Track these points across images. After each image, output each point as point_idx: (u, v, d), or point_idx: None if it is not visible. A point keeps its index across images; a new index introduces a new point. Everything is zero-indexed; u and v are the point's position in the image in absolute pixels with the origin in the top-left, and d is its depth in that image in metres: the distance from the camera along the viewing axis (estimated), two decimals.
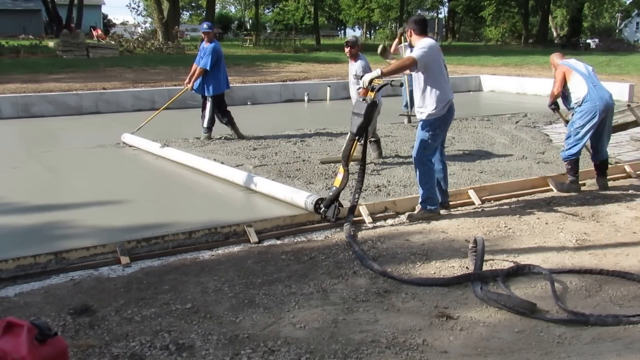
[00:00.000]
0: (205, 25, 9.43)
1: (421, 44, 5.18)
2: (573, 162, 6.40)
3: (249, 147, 8.62)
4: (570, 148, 6.38)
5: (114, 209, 5.88)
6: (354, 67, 7.50)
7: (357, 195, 5.29)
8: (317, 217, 5.31)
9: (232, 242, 4.91)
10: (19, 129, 10.95)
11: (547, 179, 6.60)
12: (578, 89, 6.32)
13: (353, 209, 5.27)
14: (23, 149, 8.97)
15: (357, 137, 5.18)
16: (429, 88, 5.22)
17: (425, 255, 4.55)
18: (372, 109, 5.13)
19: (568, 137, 6.44)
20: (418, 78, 5.29)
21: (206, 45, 9.11)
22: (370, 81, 5.13)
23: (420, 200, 5.46)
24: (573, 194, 6.29)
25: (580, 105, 6.29)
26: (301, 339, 3.28)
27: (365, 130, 5.19)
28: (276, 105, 14.90)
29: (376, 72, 5.09)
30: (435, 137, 5.37)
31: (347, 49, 7.57)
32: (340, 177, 5.18)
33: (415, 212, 5.49)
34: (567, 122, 7.58)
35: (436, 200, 5.47)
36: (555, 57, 6.78)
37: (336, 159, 6.90)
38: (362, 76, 5.40)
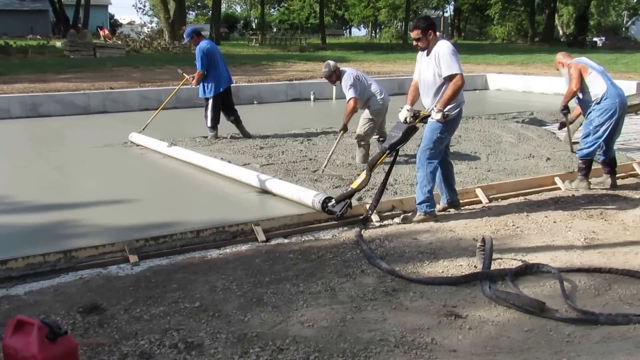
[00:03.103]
0: (184, 36, 9.36)
1: (448, 51, 5.09)
2: (589, 161, 6.35)
3: (256, 146, 8.63)
4: (589, 147, 6.32)
5: (122, 208, 5.90)
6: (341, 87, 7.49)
7: (371, 212, 5.31)
8: (324, 215, 5.31)
9: (239, 241, 4.92)
10: (27, 129, 11.00)
11: (555, 177, 6.59)
12: (596, 86, 6.24)
13: (366, 220, 5.27)
14: (31, 149, 9.01)
15: (388, 152, 5.26)
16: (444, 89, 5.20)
17: (433, 254, 4.54)
18: (411, 131, 5.24)
19: (586, 136, 6.36)
20: (436, 81, 5.19)
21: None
22: (445, 116, 5.11)
23: (417, 202, 5.42)
24: (581, 192, 6.27)
25: (599, 103, 6.21)
26: (309, 337, 3.29)
27: (396, 147, 5.27)
28: (282, 104, 14.90)
29: (439, 111, 5.09)
30: (443, 140, 5.35)
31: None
32: (359, 180, 5.22)
33: (412, 214, 5.44)
34: (571, 140, 7.58)
35: (433, 203, 5.43)
36: (562, 57, 6.67)
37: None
38: (411, 115, 5.33)
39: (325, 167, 7.25)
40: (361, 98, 7.31)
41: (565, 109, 6.78)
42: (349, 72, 7.44)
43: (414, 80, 5.55)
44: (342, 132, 7.47)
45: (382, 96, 7.38)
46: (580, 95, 6.49)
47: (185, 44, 29.38)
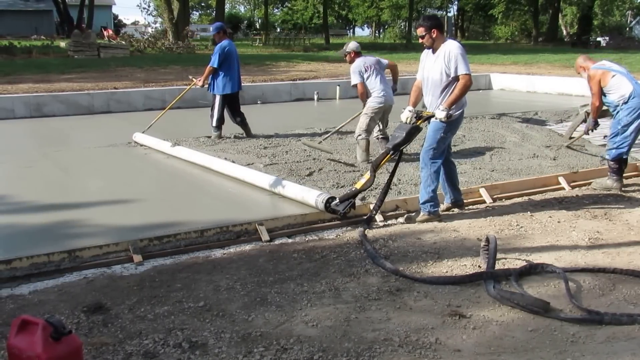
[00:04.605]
0: (211, 28, 9.72)
1: (459, 51, 5.12)
2: (621, 161, 6.35)
3: (260, 146, 8.63)
4: (619, 147, 6.30)
5: (126, 207, 5.91)
6: None
7: (375, 211, 5.32)
8: (328, 215, 5.32)
9: (243, 241, 4.93)
10: (31, 129, 11.02)
11: (559, 177, 6.58)
12: (622, 87, 6.23)
13: (370, 220, 5.28)
14: (36, 149, 9.03)
15: (392, 153, 5.27)
16: (450, 90, 5.20)
17: (437, 254, 4.54)
18: (415, 131, 5.27)
19: (614, 136, 6.34)
20: (443, 80, 5.20)
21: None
22: (449, 116, 5.12)
23: (420, 202, 5.41)
24: (585, 192, 6.26)
25: (626, 102, 6.20)
26: (314, 337, 3.28)
27: (400, 148, 5.28)
28: (286, 104, 14.91)
29: (444, 110, 5.08)
30: (446, 140, 5.35)
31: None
32: (363, 180, 5.23)
33: (416, 214, 5.44)
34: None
35: (437, 203, 5.43)
36: (583, 61, 6.62)
37: (315, 146, 7.50)
38: (413, 116, 5.36)
39: (324, 139, 7.66)
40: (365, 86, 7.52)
41: (597, 123, 6.83)
42: (360, 60, 7.63)
43: (418, 80, 5.55)
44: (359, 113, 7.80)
45: (381, 94, 7.50)
46: (603, 98, 6.48)
47: (188, 43, 29.65)
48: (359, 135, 7.55)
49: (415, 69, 5.69)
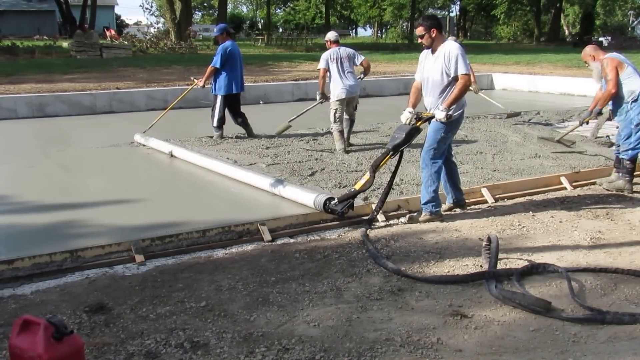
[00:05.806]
0: (215, 29, 9.89)
1: (459, 52, 5.11)
2: (636, 161, 6.32)
3: (262, 146, 8.63)
4: (635, 147, 6.25)
5: (129, 207, 5.92)
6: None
7: (376, 212, 5.33)
8: (329, 215, 5.31)
9: (245, 241, 4.93)
10: (34, 129, 11.03)
11: (561, 177, 6.57)
12: (632, 82, 6.13)
13: (371, 221, 5.28)
14: (38, 149, 9.04)
15: (392, 153, 5.29)
16: (450, 90, 5.20)
17: (439, 254, 4.54)
18: (414, 132, 5.30)
19: (628, 137, 6.26)
20: (443, 80, 5.20)
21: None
22: (449, 116, 5.12)
23: (422, 202, 5.40)
24: (587, 192, 6.26)
25: (635, 100, 6.12)
26: (315, 337, 3.29)
27: (399, 148, 5.31)
28: (288, 104, 14.89)
29: (444, 110, 5.08)
30: (446, 140, 5.34)
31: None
32: (363, 181, 5.24)
33: (418, 214, 5.44)
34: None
35: (439, 203, 5.42)
36: (592, 50, 6.47)
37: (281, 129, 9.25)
38: (410, 117, 5.41)
39: (291, 121, 9.39)
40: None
41: (601, 113, 6.57)
42: (332, 50, 8.28)
43: (416, 81, 5.55)
44: (319, 99, 8.73)
45: (340, 86, 8.07)
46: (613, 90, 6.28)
47: (190, 43, 29.72)
48: (331, 127, 8.33)
49: (416, 69, 5.68)
